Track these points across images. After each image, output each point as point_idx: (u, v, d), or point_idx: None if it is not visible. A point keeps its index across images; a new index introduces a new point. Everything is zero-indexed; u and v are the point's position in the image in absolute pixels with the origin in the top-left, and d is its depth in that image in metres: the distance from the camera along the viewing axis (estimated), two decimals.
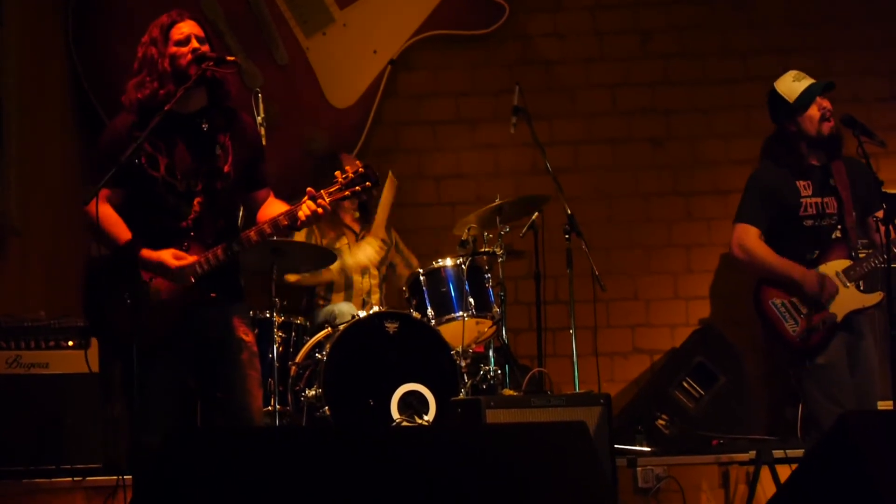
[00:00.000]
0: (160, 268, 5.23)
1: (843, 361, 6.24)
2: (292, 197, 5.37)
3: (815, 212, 6.34)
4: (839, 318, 6.25)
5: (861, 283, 6.31)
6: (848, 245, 6.34)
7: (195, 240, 5.28)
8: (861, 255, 6.33)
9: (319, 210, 5.24)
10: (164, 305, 5.25)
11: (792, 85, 6.35)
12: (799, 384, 6.38)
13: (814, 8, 9.02)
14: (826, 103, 6.32)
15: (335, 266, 7.70)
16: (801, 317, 6.30)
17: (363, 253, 7.83)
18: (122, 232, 5.27)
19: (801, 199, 6.33)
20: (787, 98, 6.35)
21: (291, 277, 7.76)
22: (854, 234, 6.36)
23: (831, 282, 6.26)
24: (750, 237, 6.39)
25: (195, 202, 5.30)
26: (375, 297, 7.94)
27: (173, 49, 5.28)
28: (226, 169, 5.36)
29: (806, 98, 6.30)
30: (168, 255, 5.22)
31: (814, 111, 6.30)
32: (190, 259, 5.24)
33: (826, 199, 6.34)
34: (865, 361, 6.30)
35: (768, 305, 6.38)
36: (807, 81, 6.37)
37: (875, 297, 6.31)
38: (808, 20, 9.00)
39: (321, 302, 7.91)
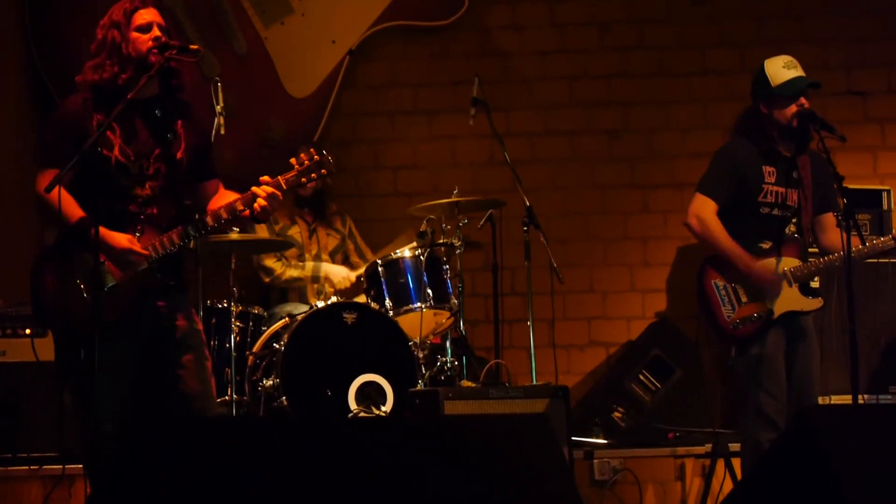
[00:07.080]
0: (113, 250, 5.15)
1: (780, 356, 6.20)
2: (249, 185, 5.35)
3: (773, 200, 6.28)
4: (775, 315, 6.24)
5: (815, 280, 6.31)
6: (801, 245, 6.30)
7: (148, 224, 5.24)
8: (811, 260, 6.32)
9: (276, 193, 5.24)
10: (117, 290, 5.19)
11: (780, 70, 6.25)
12: (732, 372, 6.41)
13: (770, 2, 9.05)
14: (804, 101, 6.25)
15: (308, 270, 7.77)
16: (738, 305, 6.29)
17: (336, 275, 7.94)
18: (76, 210, 5.18)
19: (763, 185, 6.27)
20: (770, 80, 6.25)
21: (268, 266, 7.80)
22: (808, 234, 6.35)
23: (777, 283, 6.27)
24: (707, 210, 6.29)
25: (148, 186, 5.26)
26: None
27: (134, 35, 5.25)
28: (178, 155, 5.34)
29: (788, 90, 6.21)
30: (124, 239, 5.17)
31: (792, 107, 6.25)
32: (141, 249, 5.21)
33: (787, 191, 6.31)
34: (805, 360, 6.28)
35: (710, 285, 6.33)
36: (795, 72, 6.25)
37: (815, 303, 6.28)
38: (765, 14, 9.01)
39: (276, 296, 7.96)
